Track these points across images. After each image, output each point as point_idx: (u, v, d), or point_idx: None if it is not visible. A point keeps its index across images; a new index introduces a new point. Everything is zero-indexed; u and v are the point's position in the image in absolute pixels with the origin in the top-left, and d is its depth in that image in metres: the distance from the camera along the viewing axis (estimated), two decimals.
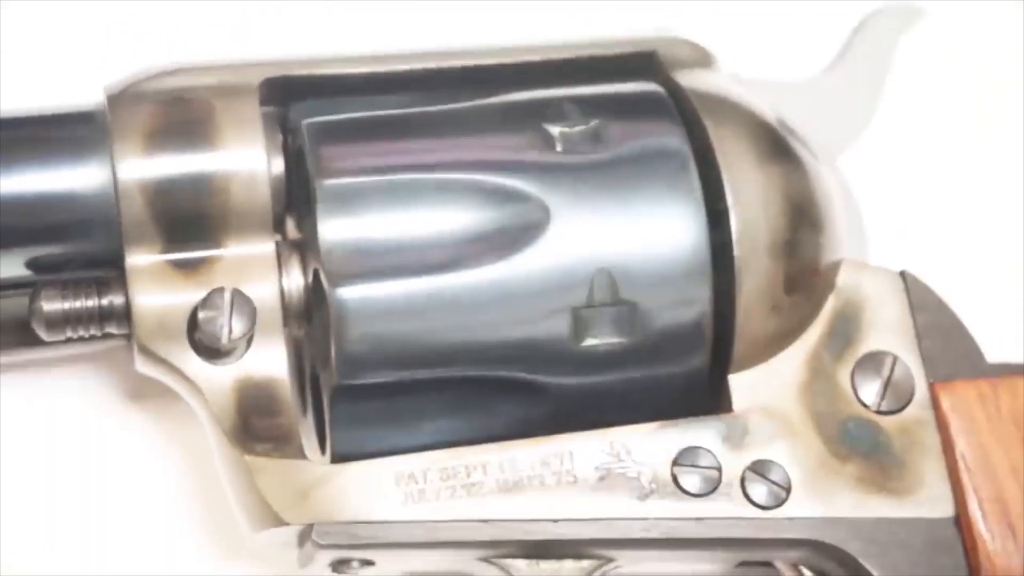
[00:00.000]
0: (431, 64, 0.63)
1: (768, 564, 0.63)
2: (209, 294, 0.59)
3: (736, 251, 0.60)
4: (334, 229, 0.58)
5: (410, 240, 0.58)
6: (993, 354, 0.63)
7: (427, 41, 0.64)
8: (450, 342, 0.59)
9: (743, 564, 0.63)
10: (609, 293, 0.59)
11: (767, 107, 0.64)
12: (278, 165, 0.61)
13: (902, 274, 0.64)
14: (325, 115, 0.61)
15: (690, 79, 0.63)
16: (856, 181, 0.68)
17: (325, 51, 0.63)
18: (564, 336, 0.59)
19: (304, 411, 0.62)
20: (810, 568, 0.62)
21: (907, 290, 0.63)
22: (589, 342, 0.59)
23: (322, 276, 0.58)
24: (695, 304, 0.60)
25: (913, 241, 0.71)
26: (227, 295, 0.59)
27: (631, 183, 0.60)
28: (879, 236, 0.68)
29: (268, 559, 0.64)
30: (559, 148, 0.60)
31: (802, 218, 0.62)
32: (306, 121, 0.60)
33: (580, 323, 0.59)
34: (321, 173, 0.59)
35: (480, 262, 0.58)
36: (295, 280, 0.60)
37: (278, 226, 0.61)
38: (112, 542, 0.66)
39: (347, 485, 0.58)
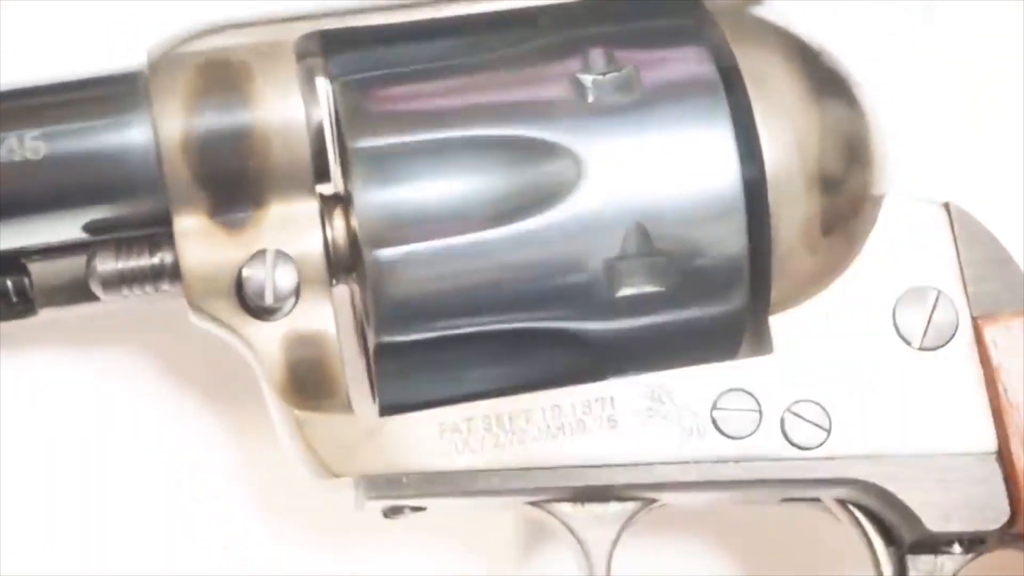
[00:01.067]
0: (463, 10, 0.62)
1: (815, 499, 0.64)
2: (253, 256, 0.60)
3: (770, 191, 0.60)
4: (369, 192, 0.59)
5: (445, 199, 0.59)
6: None
7: None
8: (487, 297, 0.60)
9: (787, 500, 0.64)
10: (644, 244, 0.60)
11: (808, 38, 0.63)
12: (318, 117, 0.62)
13: (946, 205, 0.63)
14: (360, 69, 0.61)
15: (725, 9, 0.62)
16: None
17: (358, 2, 0.63)
18: (601, 287, 0.60)
19: (362, 357, 0.63)
20: (855, 504, 0.63)
21: (951, 222, 0.63)
22: (625, 291, 0.60)
23: (359, 239, 0.59)
24: (730, 249, 0.60)
25: None
26: (269, 256, 0.60)
27: (663, 129, 0.60)
28: None
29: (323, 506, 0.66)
30: (591, 98, 0.60)
31: (843, 152, 0.61)
32: (337, 81, 0.61)
33: (616, 273, 0.60)
34: (354, 135, 0.59)
35: (514, 217, 0.59)
36: (339, 233, 0.61)
37: (321, 178, 0.62)
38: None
39: (393, 438, 0.60)
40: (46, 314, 0.65)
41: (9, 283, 0.65)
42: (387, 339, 0.60)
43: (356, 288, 0.62)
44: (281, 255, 0.61)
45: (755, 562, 0.70)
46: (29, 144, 0.61)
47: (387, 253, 0.59)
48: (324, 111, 0.62)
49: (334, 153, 0.62)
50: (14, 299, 0.65)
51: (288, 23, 0.62)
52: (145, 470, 0.70)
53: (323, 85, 0.62)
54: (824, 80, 0.62)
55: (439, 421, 0.60)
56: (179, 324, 0.63)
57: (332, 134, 0.62)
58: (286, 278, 0.61)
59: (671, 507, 0.63)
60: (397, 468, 0.60)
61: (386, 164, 0.59)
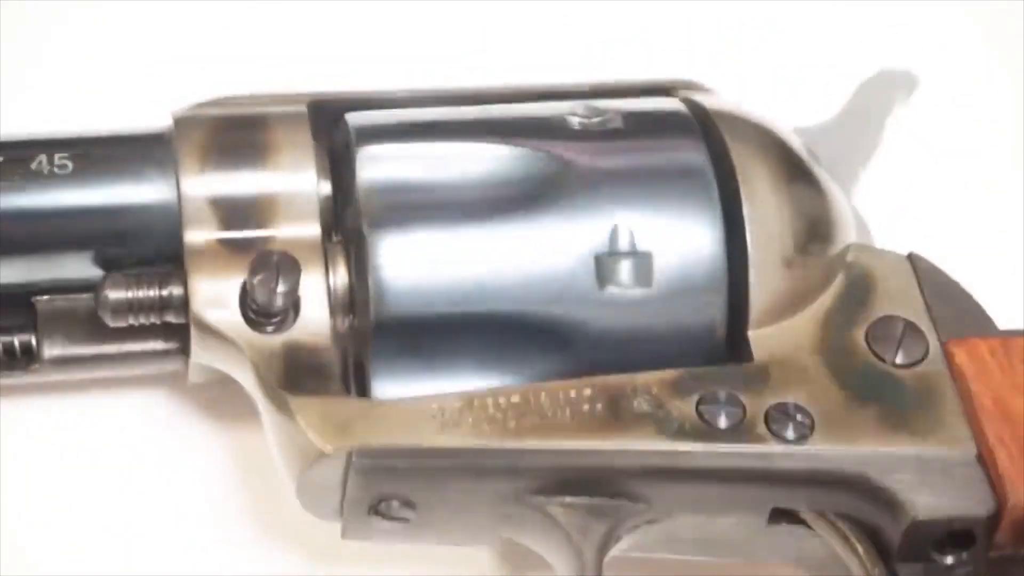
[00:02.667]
0: (466, 92, 0.70)
1: (798, 519, 0.64)
2: (258, 255, 0.64)
3: (746, 209, 0.65)
4: (371, 176, 0.64)
5: (441, 187, 0.64)
6: None
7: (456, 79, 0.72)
8: (481, 282, 0.63)
9: (773, 517, 0.64)
10: (628, 243, 0.64)
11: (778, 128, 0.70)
12: (325, 187, 0.67)
13: (909, 256, 0.68)
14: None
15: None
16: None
17: (367, 86, 0.71)
18: (588, 282, 0.63)
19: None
20: (837, 515, 0.63)
21: (914, 269, 0.67)
22: (611, 290, 0.63)
23: (361, 219, 0.63)
24: (709, 260, 0.64)
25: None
26: (275, 256, 0.64)
27: (645, 147, 0.65)
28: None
29: (306, 530, 0.65)
30: (578, 128, 0.66)
31: (809, 197, 0.67)
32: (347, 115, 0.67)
33: (602, 269, 0.63)
34: (360, 140, 0.65)
35: (506, 210, 0.63)
36: (340, 278, 0.65)
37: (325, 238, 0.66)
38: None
39: (385, 417, 0.61)
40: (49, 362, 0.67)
41: (16, 341, 0.67)
42: (386, 314, 0.62)
43: (349, 327, 0.65)
44: (287, 259, 0.64)
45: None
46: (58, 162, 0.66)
47: (388, 235, 0.63)
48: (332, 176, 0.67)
49: (339, 216, 0.67)
50: (19, 355, 0.67)
51: (303, 96, 0.69)
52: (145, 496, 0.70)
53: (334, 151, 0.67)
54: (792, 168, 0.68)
55: (431, 404, 0.62)
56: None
57: (339, 198, 0.66)
58: (289, 280, 0.64)
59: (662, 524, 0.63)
60: (389, 444, 0.61)
61: (388, 159, 0.64)
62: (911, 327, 0.65)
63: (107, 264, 0.66)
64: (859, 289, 0.66)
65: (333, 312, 0.64)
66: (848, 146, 0.75)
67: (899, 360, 0.65)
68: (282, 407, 0.62)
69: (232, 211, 0.65)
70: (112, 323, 0.65)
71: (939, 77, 0.80)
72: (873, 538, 0.62)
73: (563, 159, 0.65)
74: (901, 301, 0.66)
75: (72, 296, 0.67)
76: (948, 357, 0.65)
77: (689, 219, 0.65)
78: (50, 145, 0.66)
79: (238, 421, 0.70)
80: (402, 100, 0.69)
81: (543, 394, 0.62)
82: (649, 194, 0.65)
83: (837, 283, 0.66)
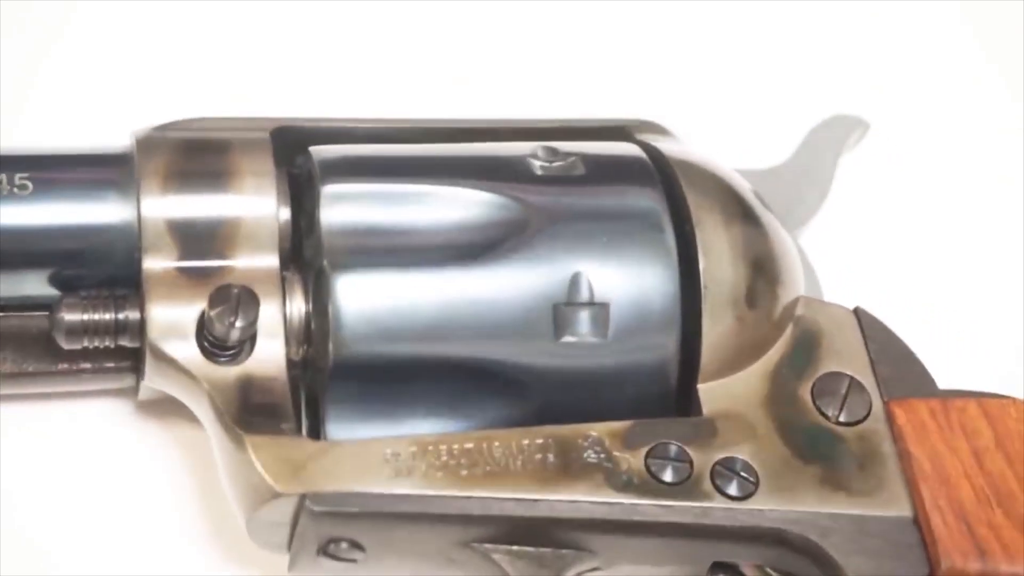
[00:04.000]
0: (431, 126, 0.70)
1: (737, 572, 0.66)
2: (218, 289, 0.64)
3: (701, 260, 0.66)
4: (335, 215, 0.64)
5: (404, 230, 0.64)
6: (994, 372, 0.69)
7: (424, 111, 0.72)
8: (437, 325, 0.64)
9: (713, 569, 0.65)
10: (586, 293, 0.65)
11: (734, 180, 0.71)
12: (285, 214, 0.67)
13: (855, 310, 0.69)
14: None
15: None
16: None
17: (335, 111, 0.70)
18: (545, 330, 0.64)
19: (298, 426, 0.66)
20: (776, 570, 0.65)
21: (860, 323, 0.69)
22: (567, 339, 0.64)
23: (324, 257, 0.63)
24: (664, 311, 0.65)
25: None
26: (235, 290, 0.64)
27: (605, 194, 0.66)
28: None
29: (259, 557, 0.66)
30: (539, 173, 0.67)
31: (761, 248, 0.68)
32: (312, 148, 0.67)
33: (560, 319, 0.64)
34: (324, 177, 0.65)
35: (467, 255, 0.64)
36: (297, 310, 0.65)
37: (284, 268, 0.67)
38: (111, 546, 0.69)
39: (339, 460, 0.62)
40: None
41: None
42: (344, 353, 0.63)
43: (310, 315, 0.65)
44: (247, 293, 0.64)
45: None
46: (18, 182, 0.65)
47: (349, 275, 0.63)
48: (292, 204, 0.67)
49: (298, 247, 0.67)
50: None
51: (267, 121, 0.69)
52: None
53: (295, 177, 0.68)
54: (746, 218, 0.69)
55: (384, 448, 0.63)
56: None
57: (299, 226, 0.66)
58: (247, 314, 0.64)
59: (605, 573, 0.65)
60: (341, 488, 0.62)
61: (351, 198, 0.65)
62: (855, 384, 0.67)
63: (64, 284, 0.66)
64: (806, 343, 0.68)
65: (288, 344, 0.65)
66: (798, 191, 0.77)
67: (842, 418, 0.66)
68: (238, 444, 0.62)
69: (192, 237, 0.65)
70: (66, 345, 0.65)
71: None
72: None
73: (524, 205, 0.65)
74: (847, 357, 0.68)
75: (26, 314, 0.67)
76: (889, 417, 0.67)
77: (647, 271, 0.66)
78: (10, 164, 0.65)
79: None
80: (365, 133, 0.69)
81: (496, 442, 0.63)
82: (608, 244, 0.65)
83: (786, 336, 0.68)
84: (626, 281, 0.65)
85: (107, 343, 0.66)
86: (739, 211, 0.68)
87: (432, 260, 0.64)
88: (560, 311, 0.64)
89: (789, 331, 0.68)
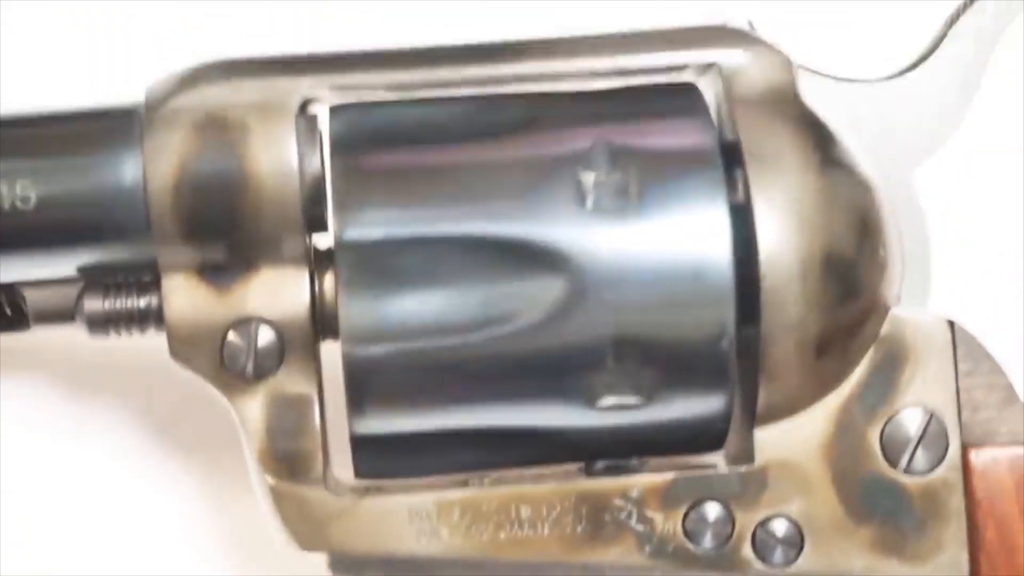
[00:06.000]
0: (472, 88, 0.61)
1: None
2: (238, 321, 0.60)
3: (763, 320, 0.58)
4: (353, 291, 0.58)
5: (430, 303, 0.58)
6: None
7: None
8: (465, 399, 0.59)
9: None
10: (630, 357, 0.59)
11: (828, 135, 0.60)
12: (313, 170, 0.60)
13: (951, 324, 0.61)
14: (359, 148, 0.60)
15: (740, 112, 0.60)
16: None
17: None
18: (581, 398, 0.59)
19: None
20: None
21: (954, 343, 0.61)
22: (607, 401, 0.59)
23: (341, 337, 0.59)
24: (718, 362, 0.59)
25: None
26: (254, 328, 0.60)
27: (656, 240, 0.58)
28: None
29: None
30: (589, 204, 0.58)
31: (846, 280, 0.60)
32: (332, 159, 0.59)
33: (597, 386, 0.59)
34: (344, 222, 0.58)
35: (499, 325, 0.58)
36: (329, 294, 0.61)
37: (314, 229, 0.61)
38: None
39: (363, 519, 0.61)
40: (39, 331, 0.65)
41: (3, 295, 0.65)
42: (363, 432, 0.60)
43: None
44: (266, 325, 0.60)
45: None
46: (19, 193, 0.60)
47: (366, 351, 0.59)
48: (323, 164, 0.60)
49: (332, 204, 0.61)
50: (8, 311, 0.65)
51: (292, 77, 0.61)
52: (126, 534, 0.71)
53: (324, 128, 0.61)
54: (835, 193, 0.60)
55: (410, 505, 0.61)
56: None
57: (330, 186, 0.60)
58: (269, 347, 0.60)
59: None
60: (365, 549, 0.61)
61: (374, 261, 0.58)
62: (934, 423, 0.61)
63: (83, 268, 0.63)
64: (887, 373, 0.61)
65: (323, 332, 0.62)
66: (937, 94, 0.65)
67: (913, 467, 0.61)
68: (264, 487, 0.61)
69: (207, 228, 0.60)
70: (90, 334, 0.63)
71: None
72: None
73: (566, 261, 0.58)
74: (930, 387, 0.61)
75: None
76: (965, 467, 0.61)
77: (701, 323, 0.59)
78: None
79: (213, 453, 0.69)
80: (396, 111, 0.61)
81: (524, 504, 0.61)
82: (658, 301, 0.59)
83: (863, 366, 0.61)
84: (674, 344, 0.59)
85: (133, 331, 0.63)
86: (825, 270, 0.59)
87: (459, 330, 0.59)
88: (597, 379, 0.59)
89: (869, 357, 0.61)
